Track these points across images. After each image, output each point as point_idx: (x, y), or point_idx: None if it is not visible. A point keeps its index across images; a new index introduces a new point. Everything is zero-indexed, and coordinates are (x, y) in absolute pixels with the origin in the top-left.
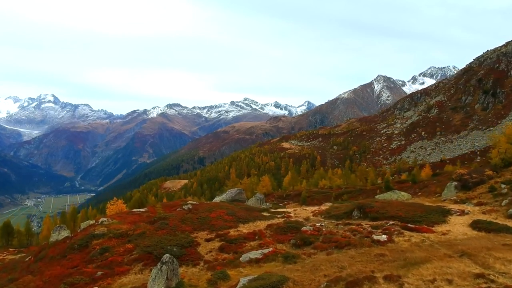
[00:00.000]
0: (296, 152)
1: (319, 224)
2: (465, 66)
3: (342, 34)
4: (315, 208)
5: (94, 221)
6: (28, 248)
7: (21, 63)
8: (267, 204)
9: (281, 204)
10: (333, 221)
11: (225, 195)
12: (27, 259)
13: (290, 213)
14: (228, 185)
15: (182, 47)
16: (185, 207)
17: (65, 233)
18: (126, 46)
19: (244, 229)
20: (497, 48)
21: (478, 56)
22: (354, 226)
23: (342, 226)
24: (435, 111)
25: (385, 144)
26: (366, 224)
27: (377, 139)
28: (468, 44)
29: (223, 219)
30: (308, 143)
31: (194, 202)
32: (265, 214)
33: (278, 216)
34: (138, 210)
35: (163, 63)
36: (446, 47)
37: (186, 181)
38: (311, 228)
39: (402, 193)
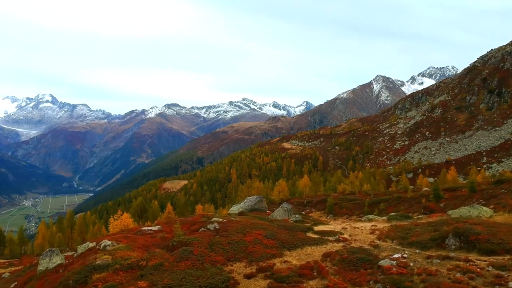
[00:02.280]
0: (298, 153)
1: (398, 255)
2: (469, 65)
3: (340, 35)
4: (369, 224)
5: (94, 243)
6: (21, 258)
7: (19, 63)
8: (296, 216)
9: (303, 213)
10: (417, 251)
11: (244, 203)
12: (12, 286)
13: (343, 233)
14: (243, 190)
15: (180, 47)
16: (211, 226)
17: (57, 260)
18: (124, 46)
19: (293, 259)
20: (501, 47)
21: (482, 55)
22: (461, 263)
23: (438, 261)
24: (439, 110)
25: (389, 145)
26: (480, 261)
27: (380, 139)
28: (467, 45)
29: (262, 243)
30: (310, 143)
31: (220, 219)
32: (311, 235)
33: (331, 238)
34: (150, 228)
35: (162, 63)
36: (445, 48)
37: (185, 181)
38: (393, 262)
39: (484, 208)
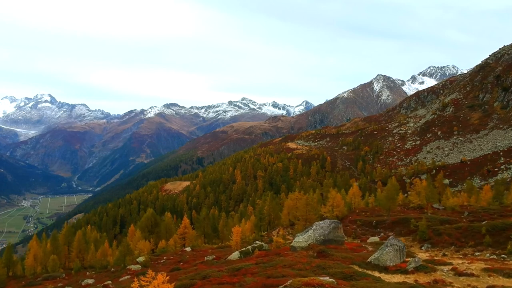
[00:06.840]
0: (304, 153)
1: None
2: (480, 62)
3: (340, 35)
4: None
5: None
6: (6, 287)
7: (17, 63)
8: (416, 260)
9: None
10: None
11: (313, 231)
12: None
13: None
14: (299, 209)
15: (179, 47)
16: None
17: None
18: (123, 46)
19: None
20: None
21: (495, 52)
22: None
23: None
24: (451, 109)
25: (399, 144)
26: None
27: (390, 139)
28: (466, 46)
29: None
30: (315, 143)
31: None
32: None
33: None
34: None
35: (161, 63)
36: (444, 49)
37: (187, 182)
38: None
39: None
